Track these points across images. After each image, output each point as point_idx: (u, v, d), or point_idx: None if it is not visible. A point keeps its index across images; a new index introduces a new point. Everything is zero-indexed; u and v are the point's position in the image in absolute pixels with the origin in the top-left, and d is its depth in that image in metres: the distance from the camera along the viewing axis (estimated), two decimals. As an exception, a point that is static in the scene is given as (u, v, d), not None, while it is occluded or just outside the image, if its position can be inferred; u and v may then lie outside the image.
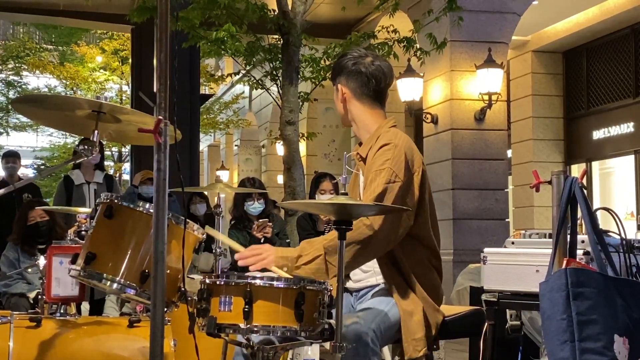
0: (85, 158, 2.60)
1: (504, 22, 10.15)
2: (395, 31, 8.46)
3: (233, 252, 5.50)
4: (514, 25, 10.24)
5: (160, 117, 2.01)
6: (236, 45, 8.03)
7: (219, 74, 18.86)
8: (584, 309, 2.23)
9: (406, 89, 10.33)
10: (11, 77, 20.96)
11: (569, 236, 2.45)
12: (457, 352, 5.62)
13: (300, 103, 8.53)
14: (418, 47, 8.54)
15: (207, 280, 2.28)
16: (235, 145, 21.92)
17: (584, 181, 2.45)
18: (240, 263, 2.59)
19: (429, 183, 2.78)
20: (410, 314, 2.65)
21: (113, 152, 20.64)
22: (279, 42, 8.31)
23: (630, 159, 11.40)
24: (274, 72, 8.41)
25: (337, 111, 2.95)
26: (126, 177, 19.85)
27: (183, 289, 2.51)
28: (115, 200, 2.54)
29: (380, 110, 2.86)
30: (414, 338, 2.64)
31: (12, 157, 7.47)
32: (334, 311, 2.30)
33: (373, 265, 2.74)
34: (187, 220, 2.53)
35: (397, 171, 2.62)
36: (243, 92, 19.50)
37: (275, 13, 8.01)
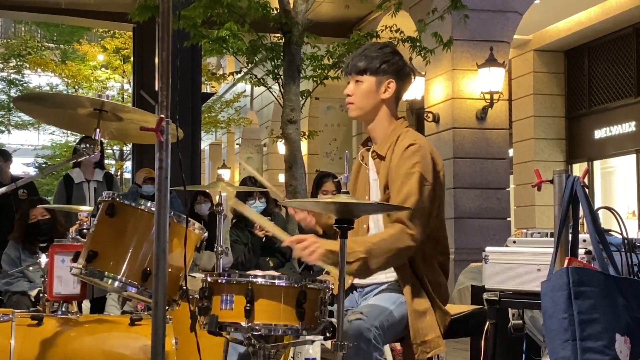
0: (87, 156, 2.61)
1: (505, 21, 10.15)
2: (398, 30, 8.45)
3: (235, 250, 5.54)
4: (516, 24, 10.23)
5: (162, 116, 2.01)
6: (238, 43, 8.03)
7: (221, 73, 18.90)
8: (585, 308, 2.23)
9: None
10: (13, 76, 20.96)
11: (570, 235, 2.45)
12: (458, 351, 5.62)
13: (302, 102, 8.52)
14: (423, 46, 8.53)
15: (209, 279, 2.29)
16: (237, 144, 21.91)
17: (586, 180, 2.45)
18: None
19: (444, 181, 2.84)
20: (421, 315, 2.64)
21: (114, 151, 20.65)
22: (280, 41, 8.31)
23: (631, 158, 11.39)
24: (276, 71, 8.40)
25: (359, 103, 2.82)
26: (127, 175, 19.87)
27: (184, 287, 2.51)
28: (117, 199, 2.54)
29: None
30: (424, 340, 2.63)
31: None
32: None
33: None
34: (189, 218, 2.53)
35: (426, 174, 2.66)
36: (244, 90, 19.50)
37: (277, 11, 8.01)
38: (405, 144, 2.71)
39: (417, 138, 2.75)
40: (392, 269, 2.72)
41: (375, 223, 2.82)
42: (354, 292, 2.86)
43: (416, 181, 2.62)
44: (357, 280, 2.84)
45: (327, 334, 2.28)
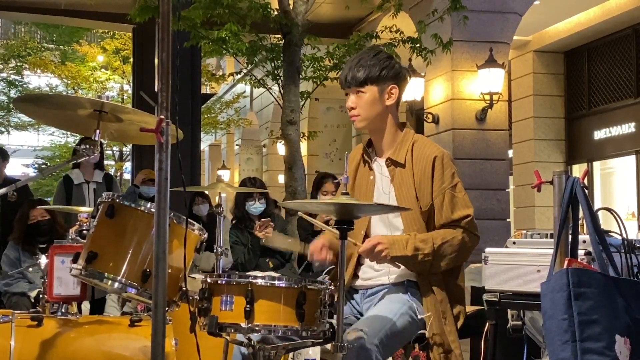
0: (87, 157, 2.61)
1: (505, 22, 10.14)
2: (398, 31, 8.45)
3: (234, 251, 5.53)
4: (516, 25, 10.23)
5: (162, 117, 2.01)
6: (238, 44, 8.03)
7: (220, 74, 18.89)
8: (585, 309, 2.23)
9: (407, 89, 10.26)
10: (12, 77, 20.97)
11: (570, 236, 2.45)
12: (458, 352, 5.61)
13: (302, 103, 8.52)
14: (423, 46, 8.52)
15: (209, 280, 2.29)
16: (237, 145, 21.92)
17: (585, 181, 2.45)
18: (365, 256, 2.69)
19: None
20: (441, 319, 2.73)
21: (114, 152, 20.65)
22: (280, 42, 8.31)
23: (631, 159, 11.40)
24: (276, 72, 8.40)
25: (365, 114, 2.81)
26: (127, 176, 19.86)
27: (184, 288, 2.51)
28: (117, 200, 2.54)
29: None
30: (445, 343, 2.74)
31: None
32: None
33: (387, 264, 2.72)
34: (189, 219, 2.53)
35: (460, 180, 2.83)
36: (244, 91, 19.50)
37: (277, 12, 8.01)
38: (430, 154, 2.76)
39: (435, 145, 2.84)
40: (395, 270, 2.73)
41: (386, 226, 2.81)
42: (355, 295, 2.85)
43: (462, 191, 2.80)
44: (360, 282, 2.83)
45: (327, 335, 2.28)
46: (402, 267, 2.69)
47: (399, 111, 2.94)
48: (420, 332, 2.72)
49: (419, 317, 2.69)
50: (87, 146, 2.61)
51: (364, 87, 2.79)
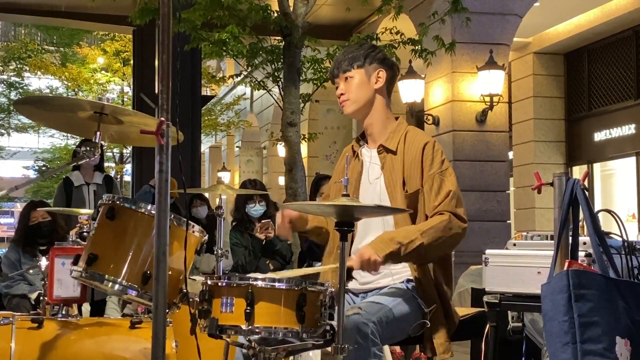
0: (87, 159, 2.61)
1: (505, 24, 10.15)
2: (399, 33, 8.45)
3: (234, 253, 5.53)
4: (516, 27, 10.24)
5: (162, 119, 2.01)
6: (238, 46, 8.03)
7: (221, 75, 18.90)
8: (585, 311, 2.23)
9: (407, 91, 10.33)
10: (13, 79, 20.99)
11: (570, 238, 2.45)
12: (458, 353, 5.60)
13: (302, 104, 8.52)
14: (424, 48, 8.52)
15: (209, 282, 2.29)
16: (237, 147, 21.93)
17: (586, 183, 2.45)
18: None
19: None
20: (432, 317, 2.68)
21: (114, 154, 20.66)
22: (280, 44, 8.31)
23: (631, 161, 11.40)
24: (276, 74, 8.40)
25: (354, 97, 2.85)
26: (127, 178, 19.87)
27: (185, 290, 2.51)
28: (117, 202, 2.54)
29: None
30: (433, 343, 2.68)
31: None
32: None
33: (387, 266, 2.71)
34: (189, 221, 2.53)
35: (451, 167, 2.79)
36: (244, 93, 19.51)
37: (277, 14, 8.01)
38: (421, 141, 2.78)
39: (427, 134, 2.86)
40: (398, 270, 2.73)
41: (379, 224, 2.81)
42: (355, 298, 2.84)
43: (451, 175, 2.74)
44: (358, 286, 2.83)
45: (327, 336, 2.27)
46: (402, 265, 2.70)
47: (390, 100, 2.93)
48: (420, 320, 2.69)
49: (422, 309, 2.68)
50: (88, 148, 2.61)
51: (351, 71, 2.85)
